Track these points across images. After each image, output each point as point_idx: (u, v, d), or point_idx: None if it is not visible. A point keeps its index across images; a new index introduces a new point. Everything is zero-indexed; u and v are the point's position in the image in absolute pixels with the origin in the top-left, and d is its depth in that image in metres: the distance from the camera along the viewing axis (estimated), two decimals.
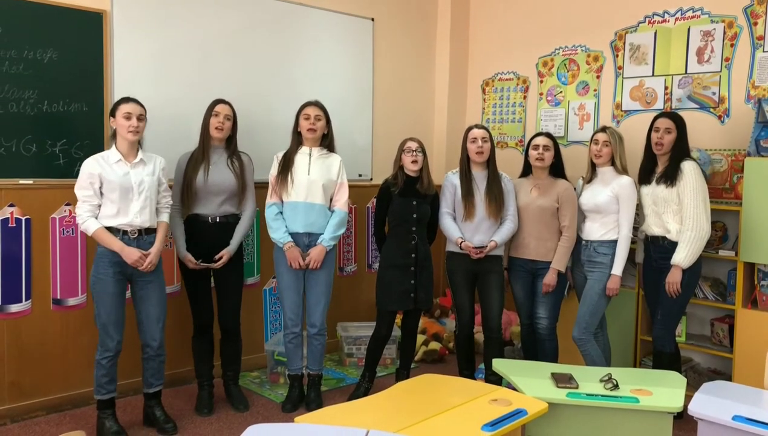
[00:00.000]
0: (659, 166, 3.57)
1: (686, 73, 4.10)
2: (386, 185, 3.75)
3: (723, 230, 3.89)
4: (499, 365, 3.14)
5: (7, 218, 3.38)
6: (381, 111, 4.92)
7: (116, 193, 3.09)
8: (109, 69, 3.64)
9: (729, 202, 3.85)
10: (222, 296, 3.61)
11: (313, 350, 3.69)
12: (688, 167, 3.42)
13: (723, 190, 3.91)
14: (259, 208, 3.79)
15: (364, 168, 4.83)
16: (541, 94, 4.88)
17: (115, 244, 3.09)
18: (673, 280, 3.43)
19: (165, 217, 3.32)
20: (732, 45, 3.92)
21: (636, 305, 3.99)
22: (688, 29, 4.09)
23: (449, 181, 3.78)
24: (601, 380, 2.85)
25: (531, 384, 2.83)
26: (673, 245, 3.44)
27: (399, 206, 3.66)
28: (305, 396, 3.72)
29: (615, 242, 3.57)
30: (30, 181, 3.44)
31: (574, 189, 3.73)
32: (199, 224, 3.48)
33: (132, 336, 3.32)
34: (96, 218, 3.10)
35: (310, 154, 3.61)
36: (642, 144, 3.66)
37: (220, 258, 3.47)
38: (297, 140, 3.64)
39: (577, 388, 2.79)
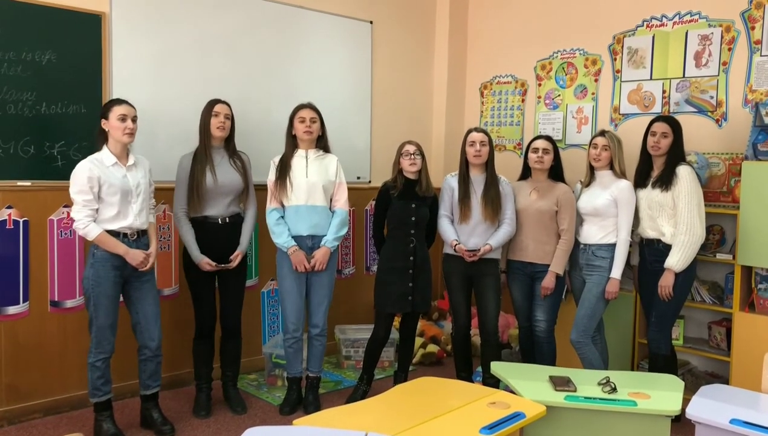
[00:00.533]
0: (655, 169, 3.58)
1: (684, 76, 4.12)
2: (385, 188, 3.75)
3: (720, 234, 3.90)
4: (497, 368, 3.14)
5: (5, 220, 3.37)
6: (379, 114, 4.92)
7: (117, 197, 3.08)
8: (107, 71, 3.64)
9: (726, 206, 3.86)
10: (225, 296, 3.62)
11: (314, 351, 3.69)
12: (683, 172, 3.43)
13: (720, 193, 3.92)
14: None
15: (362, 170, 4.83)
16: (539, 97, 4.89)
17: (119, 247, 3.09)
18: (666, 283, 3.44)
19: (153, 218, 3.35)
20: (729, 49, 3.93)
21: (633, 308, 4.00)
22: (686, 33, 4.10)
23: (447, 184, 3.79)
24: (599, 383, 2.85)
25: (529, 387, 2.83)
26: (668, 248, 3.46)
27: (398, 209, 3.67)
28: (303, 399, 3.72)
29: (613, 245, 3.58)
30: (28, 183, 3.44)
31: (573, 192, 3.73)
32: (210, 226, 3.48)
33: (128, 338, 3.31)
34: (95, 221, 3.08)
35: (306, 157, 3.61)
36: (640, 148, 3.67)
37: (234, 258, 3.48)
38: (292, 143, 3.64)
39: (575, 391, 2.79)
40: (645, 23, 4.29)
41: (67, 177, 3.48)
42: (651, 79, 4.27)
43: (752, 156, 3.59)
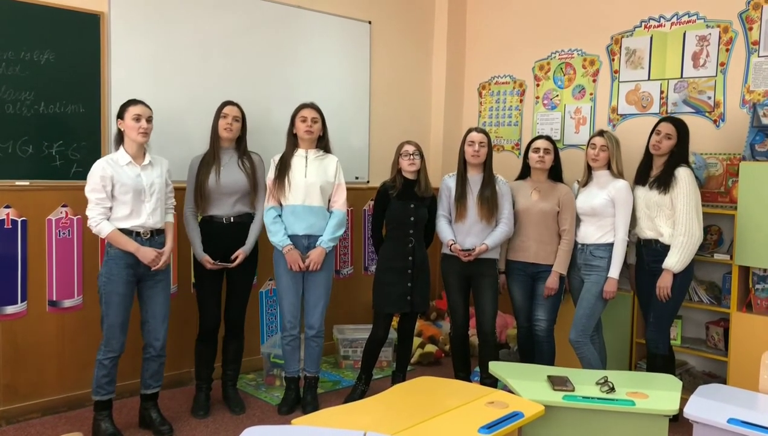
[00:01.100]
0: (654, 169, 3.59)
1: (682, 77, 4.12)
2: (384, 188, 3.76)
3: (718, 234, 3.91)
4: (495, 367, 3.15)
5: (3, 220, 3.37)
6: (378, 114, 4.93)
7: (129, 196, 3.12)
8: (106, 70, 3.64)
9: (724, 206, 3.87)
10: (231, 294, 3.64)
11: (311, 351, 3.69)
12: (682, 174, 3.44)
13: (718, 194, 3.93)
14: None
15: (361, 170, 4.83)
16: (537, 97, 4.90)
17: (130, 245, 3.12)
18: (664, 284, 3.45)
19: (171, 217, 3.36)
20: (727, 50, 3.94)
21: (631, 308, 4.00)
22: (684, 34, 4.11)
23: (445, 184, 3.79)
24: (597, 383, 2.86)
25: (527, 387, 2.83)
26: (666, 248, 3.46)
27: (397, 209, 3.67)
28: (301, 398, 3.72)
29: (611, 245, 3.58)
30: (26, 183, 3.43)
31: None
32: (215, 225, 3.51)
33: (131, 338, 3.31)
34: (108, 220, 3.11)
35: (306, 157, 3.61)
36: (638, 148, 3.69)
37: (236, 258, 3.49)
38: (293, 143, 3.64)
39: (573, 391, 2.80)
40: (643, 24, 4.30)
41: (65, 177, 3.51)
42: (649, 79, 4.27)
43: (750, 156, 3.60)
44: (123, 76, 3.69)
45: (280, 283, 3.62)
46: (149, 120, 3.18)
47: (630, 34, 4.36)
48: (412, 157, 3.67)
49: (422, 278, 3.73)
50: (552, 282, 3.65)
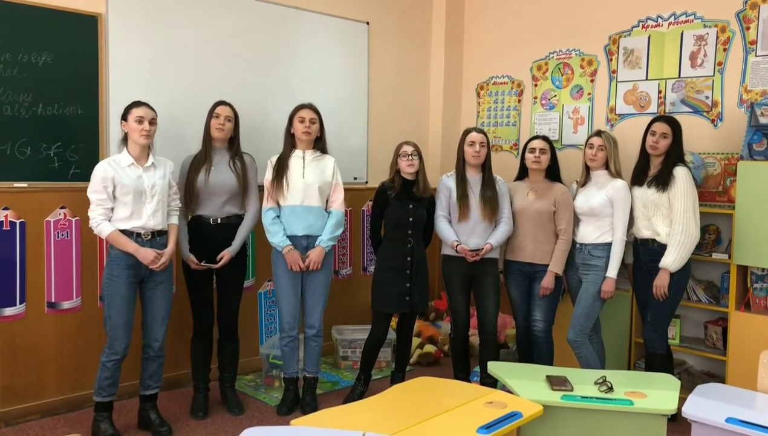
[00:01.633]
0: (652, 169, 3.59)
1: (679, 77, 4.13)
2: (383, 189, 3.76)
3: (716, 233, 3.91)
4: (494, 367, 3.15)
5: (2, 221, 3.37)
6: (376, 114, 4.93)
7: (130, 197, 3.12)
8: (104, 72, 3.64)
9: (722, 206, 3.88)
10: (223, 295, 3.62)
11: (310, 351, 3.69)
12: (680, 173, 3.44)
13: (716, 193, 3.93)
14: None
15: (359, 171, 4.83)
16: (535, 97, 4.90)
17: (130, 246, 3.12)
18: (661, 283, 3.46)
19: (175, 219, 3.37)
20: (725, 49, 3.94)
21: (630, 308, 4.01)
22: (682, 34, 4.12)
23: (444, 184, 3.79)
24: (596, 383, 2.86)
25: (526, 387, 2.84)
26: (663, 248, 3.47)
27: (395, 210, 3.67)
28: (300, 399, 3.72)
29: (609, 244, 3.59)
30: (25, 185, 3.43)
31: (569, 192, 3.74)
32: (202, 226, 3.50)
33: (132, 340, 3.31)
34: (109, 220, 3.12)
35: (303, 157, 3.61)
36: (636, 148, 3.68)
37: (221, 258, 3.48)
38: (290, 142, 3.64)
39: (571, 390, 2.80)
40: (640, 24, 4.30)
41: (63, 178, 3.51)
42: (647, 79, 4.28)
43: (747, 156, 3.60)
44: (121, 77, 3.69)
45: (278, 283, 3.62)
46: (152, 122, 3.19)
47: (628, 34, 4.37)
48: (410, 157, 3.67)
49: (421, 279, 3.74)
50: (547, 282, 3.65)
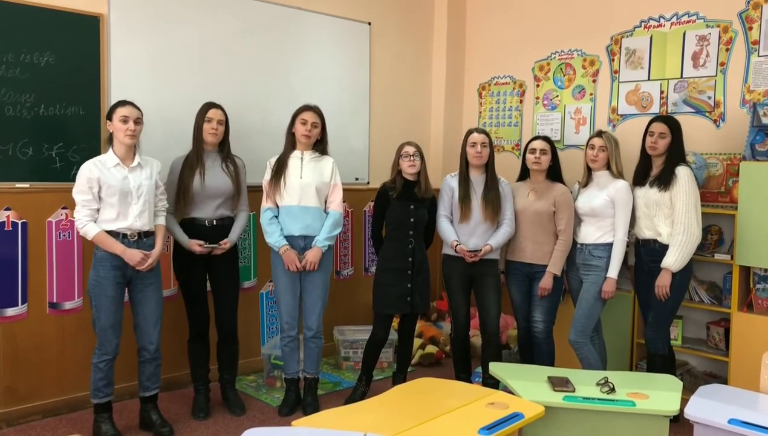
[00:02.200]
0: (653, 169, 3.59)
1: (682, 77, 4.12)
2: (384, 190, 3.76)
3: (719, 234, 3.90)
4: (495, 368, 3.15)
5: (4, 222, 3.37)
6: (378, 115, 4.93)
7: (115, 197, 3.10)
8: (105, 72, 3.64)
9: (725, 206, 3.87)
10: (219, 299, 3.61)
11: (310, 353, 3.69)
12: (682, 172, 3.44)
13: (718, 194, 3.92)
14: (254, 212, 3.79)
15: (360, 171, 4.83)
16: (537, 98, 4.90)
17: (116, 247, 3.10)
18: (663, 283, 3.45)
19: (162, 220, 3.34)
20: (727, 49, 3.94)
21: (632, 308, 4.00)
22: (684, 34, 4.11)
23: (447, 184, 3.79)
24: (598, 384, 2.86)
25: (528, 388, 2.83)
26: (664, 248, 3.46)
27: (397, 210, 3.67)
28: (302, 400, 3.72)
29: (610, 245, 3.58)
30: (26, 185, 3.44)
31: (570, 193, 3.74)
32: (196, 227, 3.49)
33: (128, 340, 3.31)
34: (95, 221, 3.10)
35: (302, 158, 3.61)
36: (638, 148, 3.68)
37: (224, 243, 3.47)
38: (291, 142, 3.64)
39: (573, 391, 2.80)
40: (643, 24, 4.30)
41: (65, 179, 3.50)
42: (649, 79, 4.27)
43: (750, 156, 3.59)
44: (123, 78, 3.69)
45: (278, 284, 3.62)
46: (137, 121, 3.15)
47: (630, 35, 4.36)
48: (412, 158, 3.67)
49: (422, 279, 3.73)
50: (545, 282, 3.64)
